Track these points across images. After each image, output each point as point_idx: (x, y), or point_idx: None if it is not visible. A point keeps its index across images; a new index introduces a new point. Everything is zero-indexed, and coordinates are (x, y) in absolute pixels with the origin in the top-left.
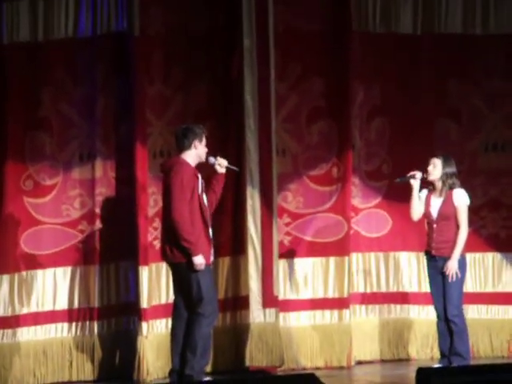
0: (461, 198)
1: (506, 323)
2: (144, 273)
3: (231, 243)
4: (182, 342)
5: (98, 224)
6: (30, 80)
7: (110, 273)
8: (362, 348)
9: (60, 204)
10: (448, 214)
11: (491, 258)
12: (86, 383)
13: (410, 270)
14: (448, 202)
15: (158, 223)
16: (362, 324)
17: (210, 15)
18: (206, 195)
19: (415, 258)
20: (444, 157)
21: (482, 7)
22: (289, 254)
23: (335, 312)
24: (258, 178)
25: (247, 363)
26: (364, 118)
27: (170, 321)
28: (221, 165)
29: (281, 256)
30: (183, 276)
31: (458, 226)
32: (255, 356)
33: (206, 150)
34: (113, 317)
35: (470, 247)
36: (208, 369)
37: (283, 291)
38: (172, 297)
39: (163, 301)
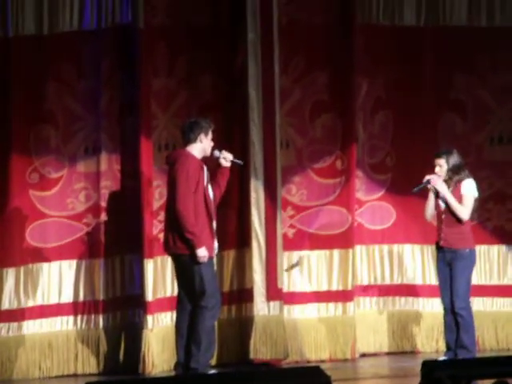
0: (467, 189)
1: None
2: (149, 266)
3: (236, 236)
4: (186, 335)
5: (103, 217)
6: (35, 73)
7: (115, 266)
8: (367, 340)
9: (65, 197)
10: None
11: (496, 250)
12: (92, 376)
13: (414, 263)
14: (456, 193)
15: (162, 216)
16: (367, 316)
17: (214, 8)
18: (212, 188)
19: (419, 251)
20: (446, 154)
21: None
22: (293, 246)
23: (339, 304)
24: (262, 171)
25: (251, 356)
26: (368, 111)
27: (174, 314)
28: (226, 158)
29: (285, 248)
30: (185, 268)
31: None
32: (259, 349)
33: (211, 143)
34: (118, 310)
35: (475, 240)
36: (212, 362)
37: (287, 284)
38: (177, 290)
39: (168, 294)
